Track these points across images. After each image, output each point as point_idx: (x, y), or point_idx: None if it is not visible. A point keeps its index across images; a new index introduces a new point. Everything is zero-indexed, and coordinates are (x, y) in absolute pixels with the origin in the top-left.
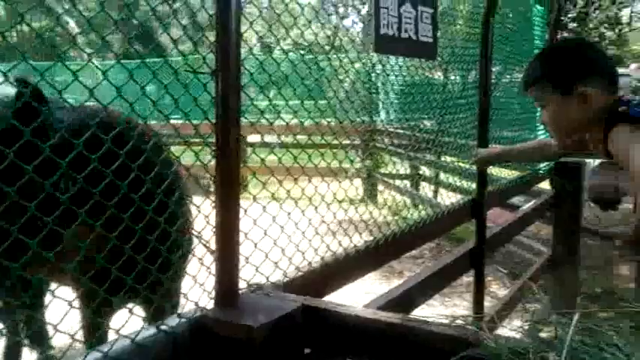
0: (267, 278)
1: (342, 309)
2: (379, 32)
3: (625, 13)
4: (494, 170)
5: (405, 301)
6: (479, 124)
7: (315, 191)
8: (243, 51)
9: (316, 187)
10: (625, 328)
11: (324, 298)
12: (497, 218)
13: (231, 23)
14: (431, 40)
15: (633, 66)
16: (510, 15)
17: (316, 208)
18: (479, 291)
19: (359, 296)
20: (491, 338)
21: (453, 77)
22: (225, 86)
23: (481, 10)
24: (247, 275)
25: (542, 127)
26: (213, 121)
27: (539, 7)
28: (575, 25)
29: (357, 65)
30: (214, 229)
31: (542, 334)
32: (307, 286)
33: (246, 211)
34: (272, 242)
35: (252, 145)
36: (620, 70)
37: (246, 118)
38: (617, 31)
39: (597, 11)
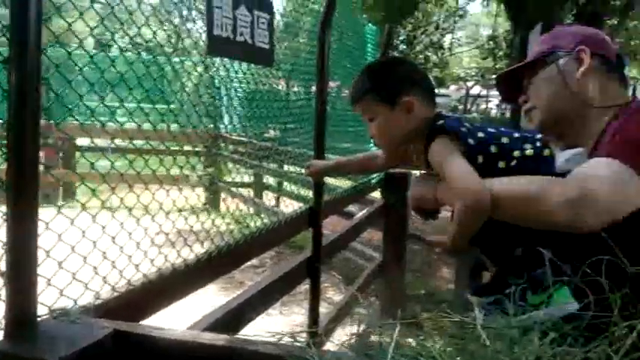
0: (76, 301)
1: (159, 333)
2: (212, 33)
3: (448, 39)
4: (331, 180)
5: (237, 316)
6: (316, 134)
7: (152, 199)
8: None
9: (153, 195)
10: (444, 337)
11: (147, 320)
12: (335, 226)
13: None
14: (267, 46)
15: (453, 87)
16: (346, 32)
17: (153, 217)
18: (314, 298)
19: (196, 312)
20: (317, 355)
21: (295, 89)
22: (20, 77)
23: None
24: (52, 299)
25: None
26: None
27: (371, 26)
28: (404, 47)
29: (200, 69)
30: (4, 247)
31: (374, 338)
32: (125, 308)
33: (47, 224)
34: (83, 259)
35: (80, 148)
36: (442, 91)
37: (75, 118)
38: (439, 54)
39: (423, 35)
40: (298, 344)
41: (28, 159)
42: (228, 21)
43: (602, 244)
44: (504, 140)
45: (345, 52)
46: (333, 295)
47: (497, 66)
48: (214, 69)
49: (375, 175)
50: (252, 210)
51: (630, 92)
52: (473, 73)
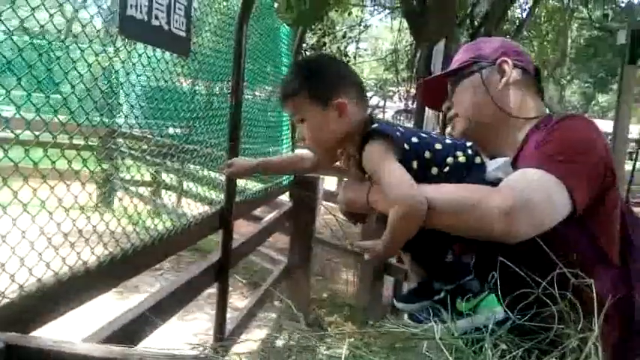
0: None
1: (54, 345)
2: (125, 13)
3: (352, 49)
4: (240, 181)
5: (137, 325)
6: (229, 134)
7: (33, 195)
8: None
9: (34, 191)
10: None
11: (43, 329)
12: (239, 227)
13: None
14: (184, 34)
15: None
16: (261, 31)
17: (33, 216)
18: (222, 304)
19: (92, 320)
20: None
21: (203, 86)
22: None
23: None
24: None
25: (286, 142)
26: None
27: (285, 28)
28: (313, 52)
29: (99, 59)
30: None
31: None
32: (18, 317)
33: None
34: None
35: None
36: None
37: None
38: (346, 60)
39: (329, 42)
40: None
41: None
42: (143, 1)
43: (530, 252)
44: (438, 146)
45: (261, 52)
46: (236, 299)
47: (398, 78)
48: (114, 58)
49: (285, 177)
50: (149, 209)
51: None
52: (372, 84)
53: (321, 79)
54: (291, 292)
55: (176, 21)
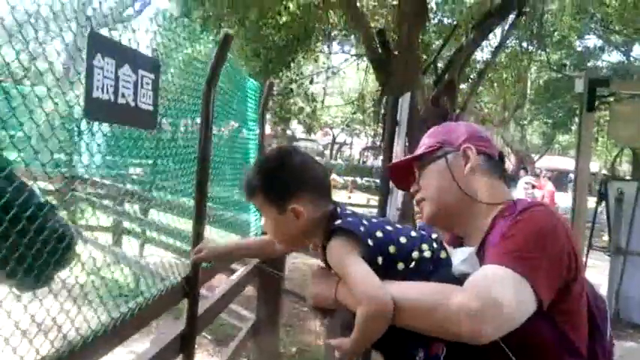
0: None
1: None
2: (91, 95)
3: (319, 90)
4: (212, 235)
5: None
6: (197, 188)
7: None
8: None
9: None
10: None
11: None
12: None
13: None
14: (151, 107)
15: (320, 133)
16: (228, 86)
17: None
18: None
19: None
20: None
21: (169, 133)
22: None
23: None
24: None
25: None
26: None
27: (253, 82)
28: (280, 97)
29: (56, 101)
30: None
31: None
32: None
33: None
34: None
35: None
36: (310, 137)
37: None
38: (312, 105)
39: (296, 87)
40: None
41: None
42: (109, 82)
43: (497, 349)
44: (402, 240)
45: (230, 103)
46: (202, 357)
47: (365, 119)
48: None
49: (252, 230)
50: (108, 259)
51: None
52: (339, 122)
53: (276, 185)
54: (260, 349)
55: (143, 95)
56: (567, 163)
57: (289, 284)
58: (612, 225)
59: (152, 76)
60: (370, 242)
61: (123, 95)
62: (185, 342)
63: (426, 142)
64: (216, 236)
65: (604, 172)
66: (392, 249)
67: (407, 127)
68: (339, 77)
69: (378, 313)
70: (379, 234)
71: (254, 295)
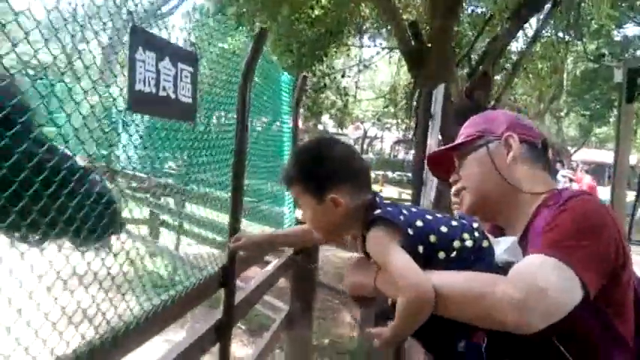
0: None
1: None
2: (134, 88)
3: (352, 85)
4: (246, 229)
5: None
6: (233, 190)
7: None
8: None
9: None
10: None
11: None
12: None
13: None
14: (190, 100)
15: (351, 128)
16: (263, 80)
17: None
18: None
19: None
20: None
21: (206, 127)
22: None
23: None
24: None
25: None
26: None
27: (287, 76)
28: (313, 92)
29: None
30: None
31: None
32: None
33: None
34: None
35: None
36: (342, 131)
37: None
38: (344, 99)
39: (329, 81)
40: None
41: None
42: (151, 75)
43: (543, 340)
44: (443, 229)
45: (265, 97)
46: (236, 348)
47: (397, 112)
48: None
49: (286, 223)
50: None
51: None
52: (370, 116)
53: (315, 174)
54: (293, 340)
55: (182, 88)
56: (604, 156)
57: (323, 277)
58: None
59: (191, 69)
60: (410, 231)
61: (164, 88)
62: (221, 331)
63: (466, 132)
64: (250, 229)
65: None
66: (433, 238)
67: (440, 120)
68: (371, 71)
69: (419, 301)
70: (419, 223)
71: (287, 287)
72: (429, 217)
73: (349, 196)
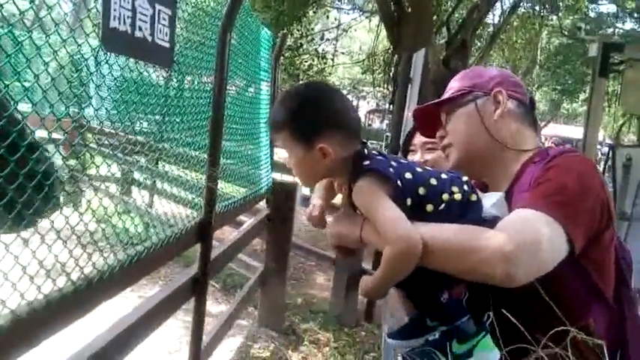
0: None
1: None
2: (108, 25)
3: (330, 49)
4: (219, 189)
5: (121, 342)
6: (211, 137)
7: None
8: None
9: None
10: None
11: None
12: (217, 233)
13: None
14: (167, 44)
15: None
16: (242, 36)
17: None
18: (199, 317)
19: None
20: None
21: (179, 81)
22: None
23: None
24: None
25: (265, 143)
26: None
27: (266, 31)
28: (290, 52)
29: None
30: None
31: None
32: None
33: None
34: None
35: None
36: None
37: None
38: (322, 63)
39: (308, 44)
40: None
41: None
42: (126, 12)
43: (526, 293)
44: (432, 181)
45: (242, 54)
46: (209, 305)
47: (374, 80)
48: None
49: (263, 184)
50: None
51: None
52: (346, 84)
53: (303, 120)
54: (267, 298)
55: (159, 31)
56: (572, 132)
57: (296, 240)
58: (618, 192)
59: (169, 11)
60: (399, 183)
61: (140, 29)
62: (197, 286)
63: (454, 86)
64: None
65: (608, 141)
66: (421, 190)
67: (420, 85)
68: (349, 39)
69: (406, 253)
70: (408, 175)
71: (262, 249)
72: (418, 169)
73: (340, 146)
